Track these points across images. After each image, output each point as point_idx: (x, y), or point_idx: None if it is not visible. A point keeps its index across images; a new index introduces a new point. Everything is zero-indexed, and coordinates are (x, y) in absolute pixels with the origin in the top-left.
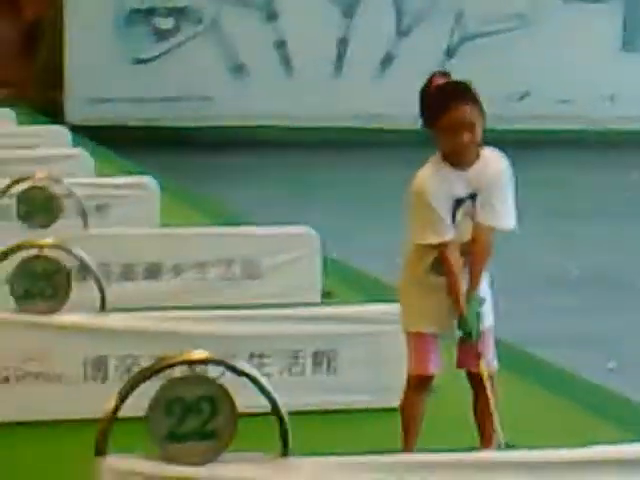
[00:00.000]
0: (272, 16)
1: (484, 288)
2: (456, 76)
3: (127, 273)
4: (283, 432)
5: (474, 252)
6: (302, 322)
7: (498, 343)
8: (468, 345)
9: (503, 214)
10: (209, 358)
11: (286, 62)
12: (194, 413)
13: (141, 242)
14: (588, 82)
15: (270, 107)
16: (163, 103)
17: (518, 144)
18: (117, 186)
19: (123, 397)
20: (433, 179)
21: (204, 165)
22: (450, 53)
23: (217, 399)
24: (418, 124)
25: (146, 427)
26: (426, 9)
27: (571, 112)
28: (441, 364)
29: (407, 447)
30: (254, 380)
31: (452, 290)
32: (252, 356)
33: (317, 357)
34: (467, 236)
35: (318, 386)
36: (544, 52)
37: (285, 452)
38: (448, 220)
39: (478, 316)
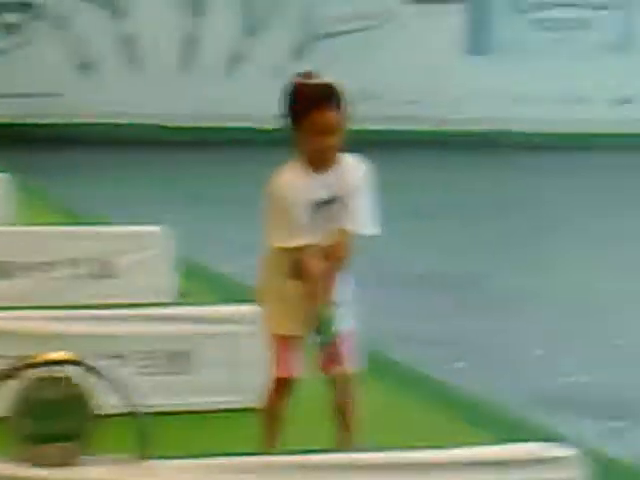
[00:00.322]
0: (121, 13)
1: (344, 291)
2: None
3: None
4: (141, 434)
5: (331, 256)
6: (158, 322)
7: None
8: (325, 349)
9: (363, 219)
10: (68, 359)
11: (135, 59)
12: (54, 415)
13: None
14: (435, 84)
15: (119, 104)
16: (13, 99)
17: (369, 144)
18: None
19: None
20: (291, 182)
21: (54, 162)
22: (299, 52)
23: (77, 401)
24: (269, 123)
25: (6, 428)
26: (275, 8)
27: (419, 113)
28: (302, 367)
29: (268, 448)
30: (111, 381)
31: (310, 295)
32: (108, 356)
33: (173, 357)
34: (329, 241)
35: (174, 387)
36: (393, 53)
37: (143, 454)
38: (305, 224)
39: (330, 321)
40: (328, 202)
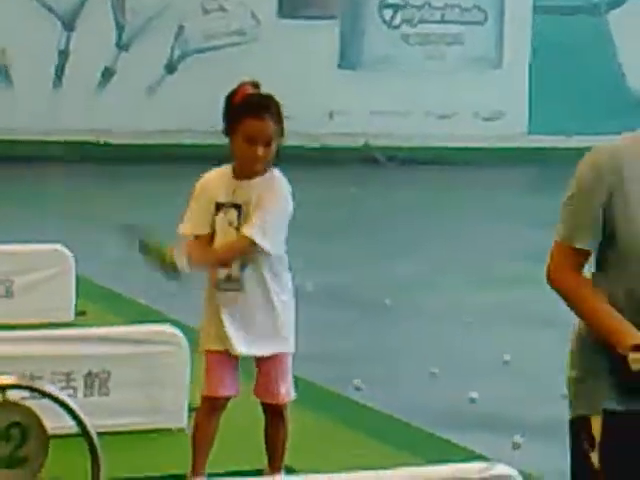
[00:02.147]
0: None
1: (284, 310)
2: (175, 90)
3: None
4: (93, 455)
5: (217, 246)
6: (75, 343)
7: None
8: (258, 374)
9: (258, 229)
10: (17, 383)
11: (4, 72)
12: (4, 440)
13: None
14: (307, 99)
15: None
16: None
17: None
18: None
19: None
20: (207, 180)
21: None
22: (171, 68)
23: (27, 425)
24: (140, 139)
25: None
26: (146, 24)
27: (291, 128)
28: (237, 387)
29: (196, 469)
30: (63, 404)
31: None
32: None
33: (89, 379)
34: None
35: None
36: (264, 68)
37: (96, 476)
38: (201, 218)
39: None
40: (232, 206)
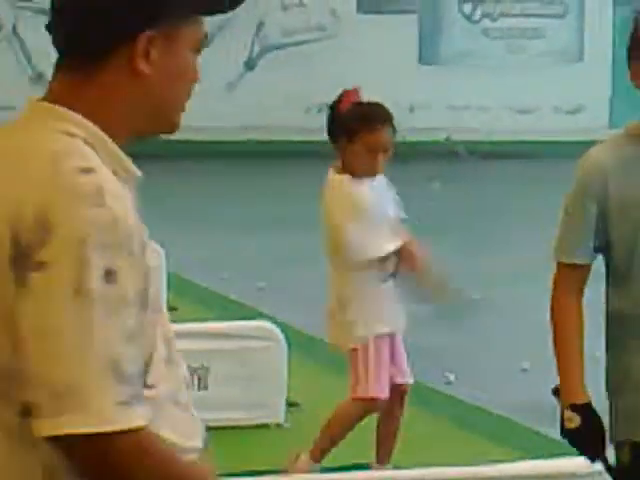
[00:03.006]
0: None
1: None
2: (258, 87)
3: None
4: None
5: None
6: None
7: None
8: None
9: None
10: None
11: None
12: None
13: None
14: (388, 94)
15: None
16: None
17: (324, 157)
18: None
19: None
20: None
21: None
22: (250, 64)
23: None
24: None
25: None
26: (226, 19)
27: None
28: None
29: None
30: None
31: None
32: None
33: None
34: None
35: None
36: (345, 64)
37: None
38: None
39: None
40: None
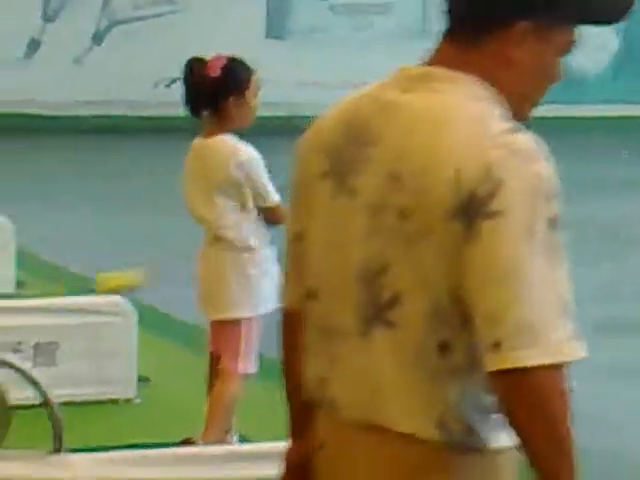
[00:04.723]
0: None
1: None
2: (105, 61)
3: None
4: (55, 426)
5: None
6: (24, 314)
7: None
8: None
9: None
10: None
11: None
12: None
13: None
14: None
15: None
16: None
17: (153, 131)
18: None
19: None
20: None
21: None
22: (98, 38)
23: None
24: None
25: None
26: None
27: None
28: None
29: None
30: (23, 373)
31: None
32: None
33: (38, 349)
34: None
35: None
36: (192, 37)
37: (57, 447)
38: None
39: None
40: None
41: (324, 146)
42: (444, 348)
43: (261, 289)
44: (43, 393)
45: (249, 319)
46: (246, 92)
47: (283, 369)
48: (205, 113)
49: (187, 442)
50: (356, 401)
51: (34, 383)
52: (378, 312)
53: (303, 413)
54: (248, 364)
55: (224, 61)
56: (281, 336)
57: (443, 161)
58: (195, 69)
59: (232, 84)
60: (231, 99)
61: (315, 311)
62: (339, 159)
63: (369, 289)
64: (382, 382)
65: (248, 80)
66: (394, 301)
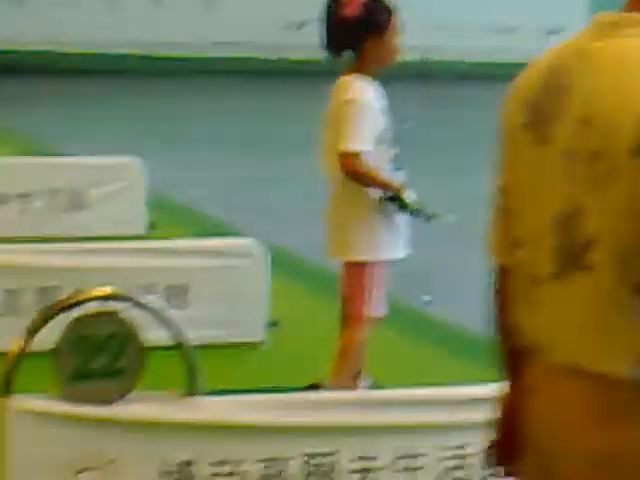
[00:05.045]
0: None
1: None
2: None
3: None
4: (189, 368)
5: None
6: (155, 256)
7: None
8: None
9: None
10: (116, 294)
11: None
12: (102, 351)
13: None
14: None
15: (48, 32)
16: None
17: (292, 73)
18: None
19: (31, 334)
20: (363, 88)
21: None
22: None
23: (125, 337)
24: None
25: (53, 366)
26: None
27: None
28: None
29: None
30: (160, 315)
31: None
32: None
33: (168, 291)
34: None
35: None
36: None
37: (192, 389)
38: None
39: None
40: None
41: (525, 98)
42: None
43: (384, 234)
44: (178, 335)
45: (372, 263)
46: (386, 32)
47: (493, 317)
48: (345, 54)
49: (314, 386)
50: (559, 344)
51: (169, 324)
52: (574, 256)
53: (513, 359)
54: (374, 308)
55: (363, 0)
56: (490, 285)
57: (632, 101)
58: (334, 9)
59: (371, 24)
60: (370, 39)
61: (519, 259)
62: (538, 110)
63: (564, 234)
64: (581, 325)
65: (388, 20)
66: (588, 245)
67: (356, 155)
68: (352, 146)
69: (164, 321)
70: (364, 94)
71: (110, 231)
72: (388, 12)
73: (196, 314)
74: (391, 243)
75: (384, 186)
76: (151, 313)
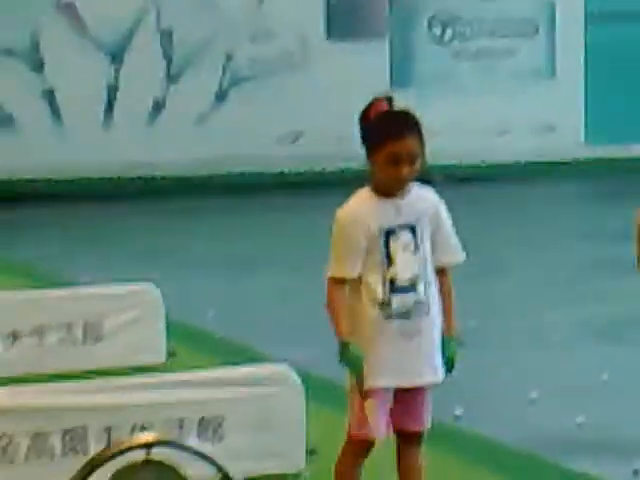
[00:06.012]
0: (38, 65)
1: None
2: (232, 118)
3: None
4: None
5: (445, 292)
6: (188, 387)
7: None
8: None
9: (455, 248)
10: (160, 440)
11: (55, 113)
12: None
13: None
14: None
15: (41, 159)
16: None
17: (290, 186)
18: None
19: None
20: (353, 209)
21: None
22: (221, 97)
23: None
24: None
25: None
26: (195, 53)
27: (349, 150)
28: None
29: None
30: (205, 458)
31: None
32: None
33: (202, 424)
34: (408, 271)
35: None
36: (317, 92)
37: None
38: (356, 258)
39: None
40: (405, 228)
41: None
42: None
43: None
44: (221, 470)
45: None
46: (375, 154)
47: None
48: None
49: None
50: None
51: (211, 461)
52: None
53: None
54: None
55: (386, 108)
56: None
57: None
58: (363, 112)
59: (369, 139)
60: (371, 155)
61: None
62: None
63: None
64: None
65: (383, 144)
66: None
67: (330, 280)
68: (328, 271)
69: (206, 459)
70: (344, 215)
71: (131, 361)
72: (392, 135)
73: (232, 445)
74: (397, 370)
75: (335, 327)
76: (193, 454)
